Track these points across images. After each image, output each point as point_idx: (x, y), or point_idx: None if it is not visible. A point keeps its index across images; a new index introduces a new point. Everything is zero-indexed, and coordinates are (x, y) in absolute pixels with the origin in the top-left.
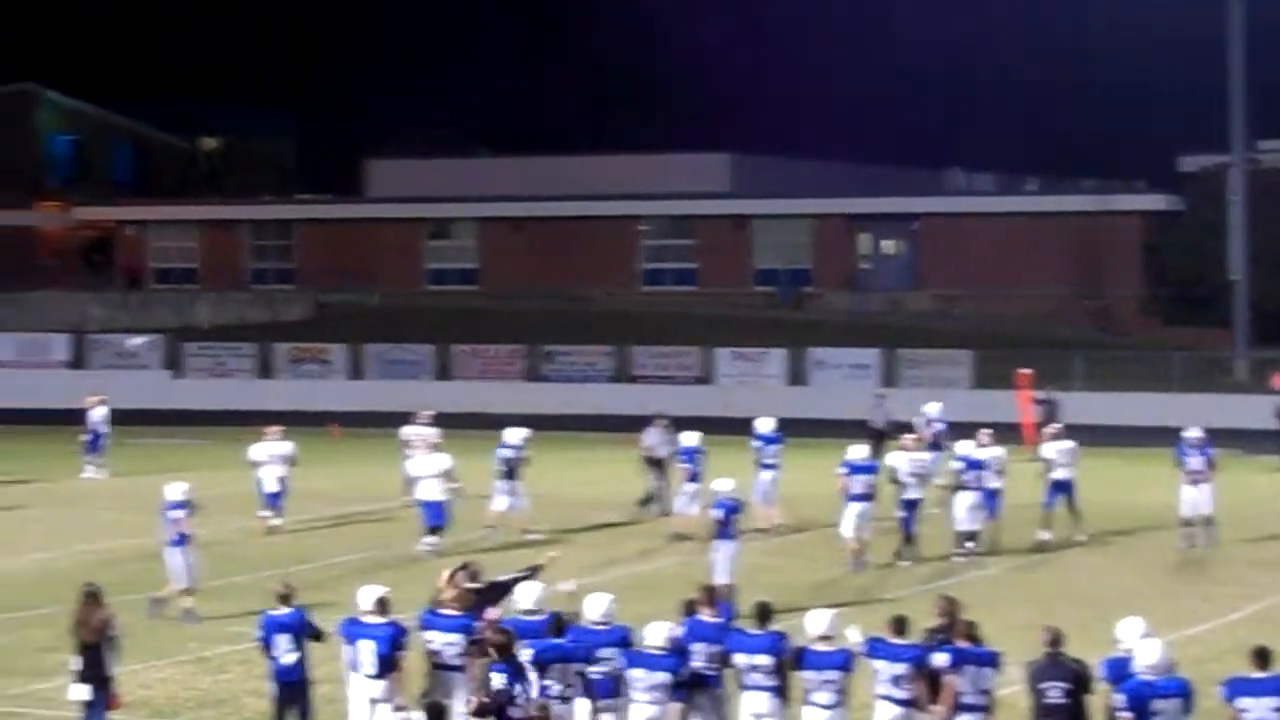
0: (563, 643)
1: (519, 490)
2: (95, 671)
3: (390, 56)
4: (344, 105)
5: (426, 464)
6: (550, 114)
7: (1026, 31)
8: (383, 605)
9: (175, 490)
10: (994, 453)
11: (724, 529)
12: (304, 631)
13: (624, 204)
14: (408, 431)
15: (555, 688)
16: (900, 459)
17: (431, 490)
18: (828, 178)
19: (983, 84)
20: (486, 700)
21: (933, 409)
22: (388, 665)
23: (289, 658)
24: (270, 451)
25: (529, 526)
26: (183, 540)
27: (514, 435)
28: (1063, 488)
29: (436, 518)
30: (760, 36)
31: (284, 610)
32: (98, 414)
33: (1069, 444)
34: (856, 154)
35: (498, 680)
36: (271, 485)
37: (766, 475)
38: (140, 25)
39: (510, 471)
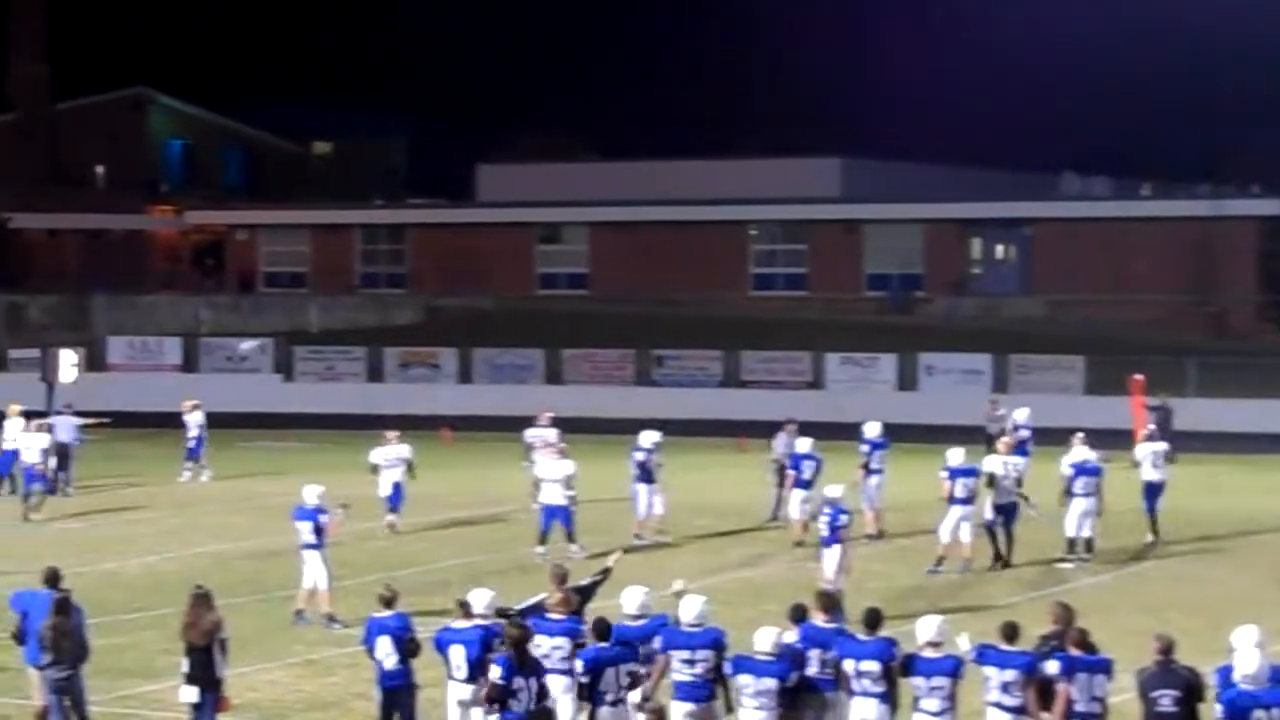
0: (607, 646)
1: (654, 493)
2: (205, 673)
3: (501, 61)
4: (455, 109)
5: (552, 469)
6: (661, 118)
7: (1141, 35)
8: (467, 609)
9: (311, 494)
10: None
11: (833, 534)
12: (406, 636)
13: (734, 208)
14: (530, 434)
15: (609, 695)
16: (996, 463)
17: (555, 495)
18: (940, 182)
19: (1097, 87)
20: (487, 696)
21: (1021, 415)
22: (478, 668)
23: (390, 661)
24: (389, 455)
25: (640, 531)
26: (320, 544)
27: (647, 438)
28: (1153, 489)
29: (565, 520)
30: (872, 40)
31: (386, 613)
32: (195, 418)
33: (1161, 446)
34: (969, 158)
35: (493, 673)
36: (385, 489)
37: (873, 480)
38: (252, 30)
39: (646, 474)
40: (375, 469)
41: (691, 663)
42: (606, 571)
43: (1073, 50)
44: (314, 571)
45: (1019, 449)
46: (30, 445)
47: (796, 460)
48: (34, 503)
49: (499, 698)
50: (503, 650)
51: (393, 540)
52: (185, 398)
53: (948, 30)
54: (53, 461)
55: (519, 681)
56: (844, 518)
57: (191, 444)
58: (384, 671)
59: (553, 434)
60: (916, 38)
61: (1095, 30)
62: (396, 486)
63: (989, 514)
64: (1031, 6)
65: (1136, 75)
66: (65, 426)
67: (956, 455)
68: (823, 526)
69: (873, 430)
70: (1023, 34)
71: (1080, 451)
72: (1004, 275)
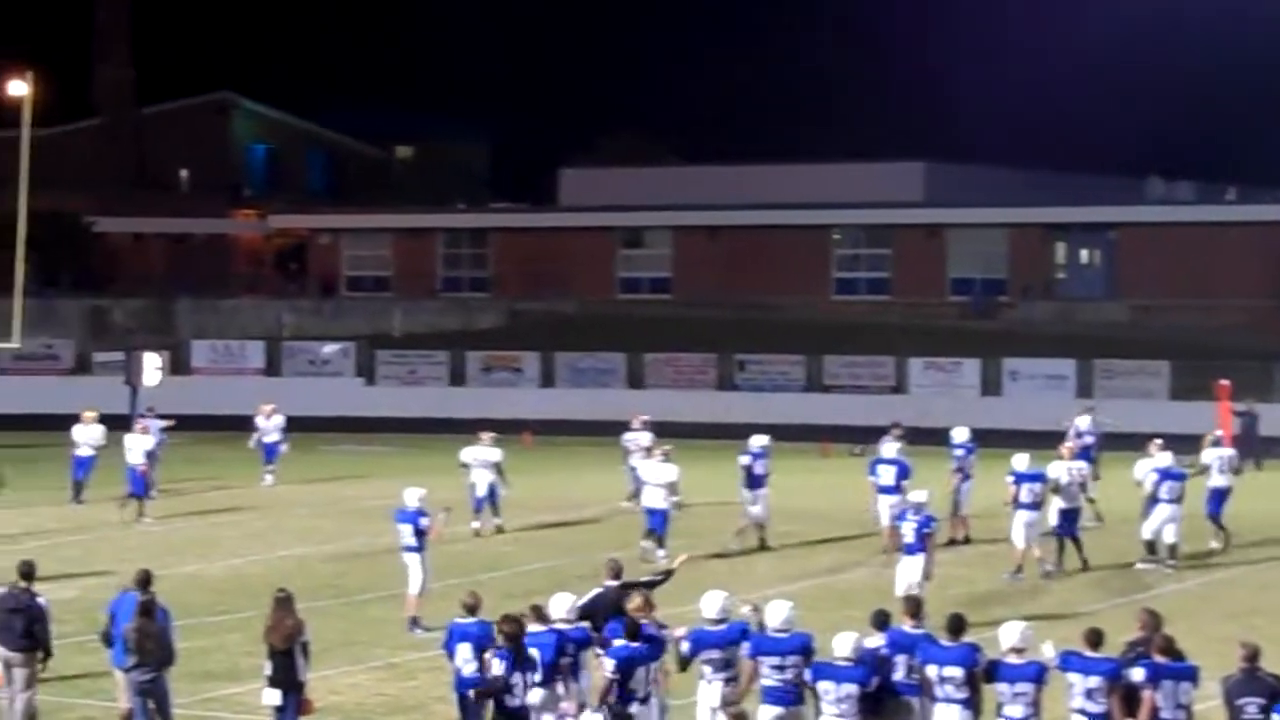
0: (639, 646)
1: (761, 498)
2: (287, 676)
3: (583, 64)
4: (537, 113)
5: (656, 472)
6: (743, 122)
7: (1225, 38)
8: (541, 613)
9: (413, 496)
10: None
11: (920, 542)
12: (487, 644)
13: (817, 213)
14: (626, 438)
15: (640, 692)
16: (1060, 468)
17: (656, 498)
18: (1024, 186)
19: (1183, 90)
20: (485, 688)
21: (1083, 422)
22: (552, 672)
23: (470, 668)
24: (477, 455)
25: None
26: (421, 547)
27: (756, 442)
28: (1219, 495)
29: (659, 525)
30: (955, 43)
31: (469, 620)
32: (275, 422)
33: (1229, 452)
34: (1053, 162)
35: (497, 667)
36: (481, 489)
37: (964, 485)
38: (334, 34)
39: (754, 479)
40: (465, 467)
41: (781, 668)
42: (668, 573)
43: (1158, 53)
44: (415, 575)
45: (1082, 454)
46: (134, 447)
47: (874, 465)
48: (136, 504)
49: (498, 692)
50: (503, 645)
51: (476, 544)
52: (263, 402)
53: (1032, 33)
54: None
55: (516, 676)
56: (932, 524)
57: (281, 447)
58: (461, 678)
59: (646, 437)
60: (1000, 41)
61: (1181, 32)
62: (492, 488)
63: (1055, 520)
64: (1116, 9)
65: (1222, 78)
66: (149, 429)
67: (1022, 460)
68: (909, 533)
69: (961, 435)
70: (1108, 37)
71: (1163, 457)
72: (1088, 280)
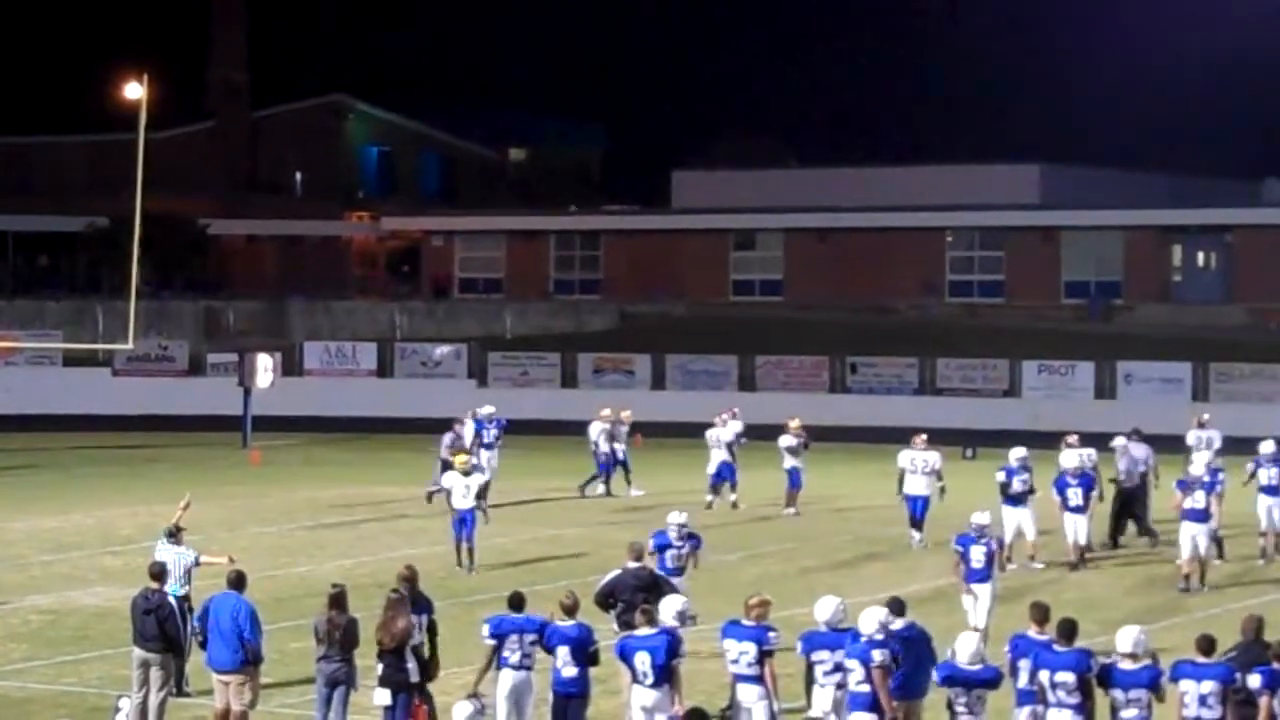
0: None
1: (1023, 516)
2: (397, 676)
3: (697, 68)
4: (650, 116)
5: (923, 459)
6: (859, 124)
7: None
8: (650, 616)
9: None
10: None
11: (988, 567)
12: (589, 649)
13: (931, 215)
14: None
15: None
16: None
17: (919, 485)
18: (1139, 188)
19: None
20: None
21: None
22: (664, 674)
23: (569, 671)
24: (716, 436)
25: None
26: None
27: (1015, 455)
28: None
29: (922, 511)
30: (1070, 46)
31: (568, 623)
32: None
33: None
34: (1169, 164)
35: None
36: (712, 467)
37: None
38: (448, 37)
39: (1012, 496)
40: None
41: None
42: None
43: (1274, 53)
44: None
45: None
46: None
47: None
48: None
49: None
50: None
51: (589, 545)
52: (603, 407)
53: (1148, 35)
54: None
55: (414, 619)
56: (993, 545)
57: (605, 458)
58: (560, 678)
59: (933, 458)
60: (1116, 43)
61: None
62: (724, 466)
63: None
64: (1232, 10)
65: None
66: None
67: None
68: (978, 558)
69: (1268, 447)
70: (1224, 37)
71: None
72: (1205, 283)
